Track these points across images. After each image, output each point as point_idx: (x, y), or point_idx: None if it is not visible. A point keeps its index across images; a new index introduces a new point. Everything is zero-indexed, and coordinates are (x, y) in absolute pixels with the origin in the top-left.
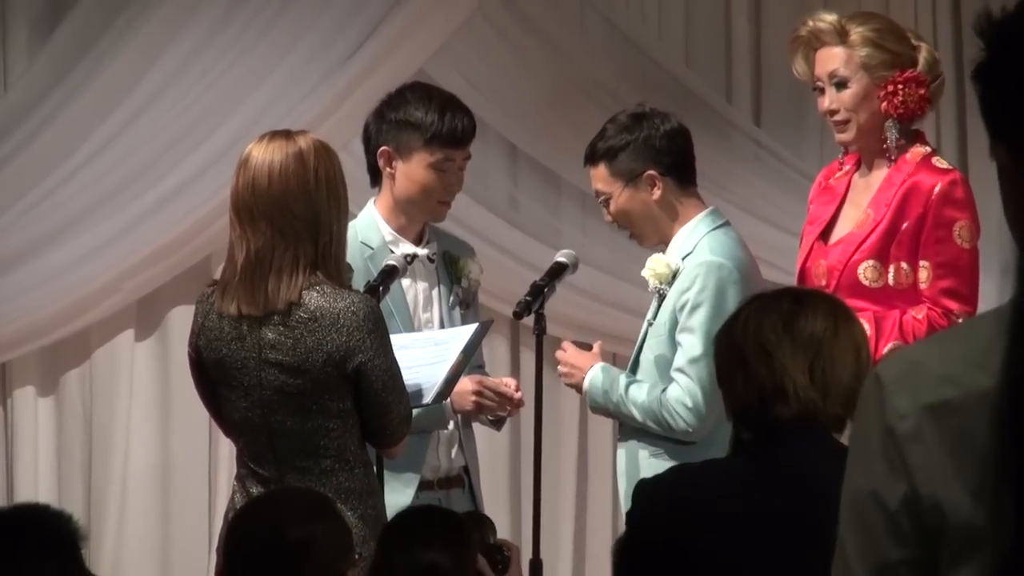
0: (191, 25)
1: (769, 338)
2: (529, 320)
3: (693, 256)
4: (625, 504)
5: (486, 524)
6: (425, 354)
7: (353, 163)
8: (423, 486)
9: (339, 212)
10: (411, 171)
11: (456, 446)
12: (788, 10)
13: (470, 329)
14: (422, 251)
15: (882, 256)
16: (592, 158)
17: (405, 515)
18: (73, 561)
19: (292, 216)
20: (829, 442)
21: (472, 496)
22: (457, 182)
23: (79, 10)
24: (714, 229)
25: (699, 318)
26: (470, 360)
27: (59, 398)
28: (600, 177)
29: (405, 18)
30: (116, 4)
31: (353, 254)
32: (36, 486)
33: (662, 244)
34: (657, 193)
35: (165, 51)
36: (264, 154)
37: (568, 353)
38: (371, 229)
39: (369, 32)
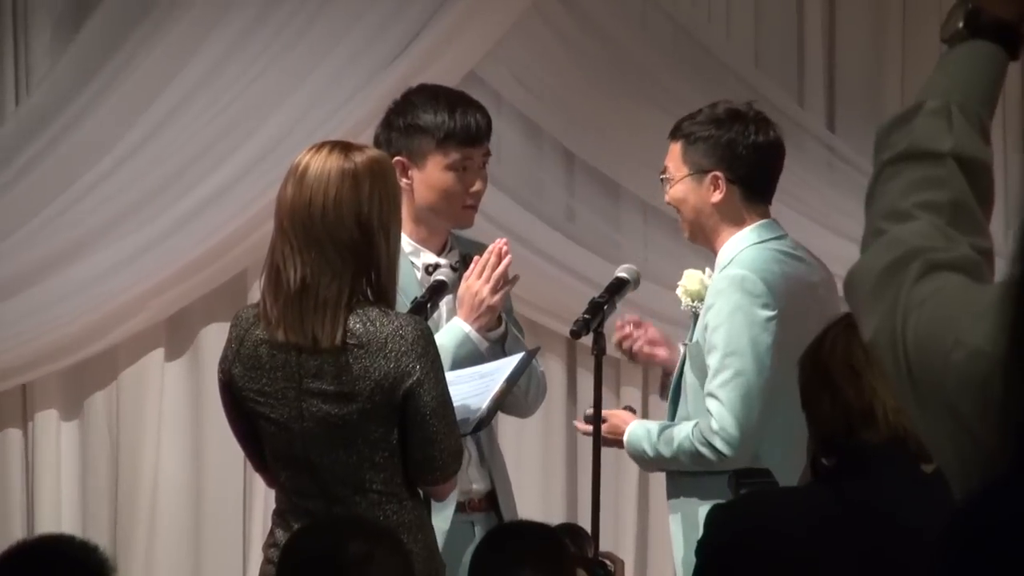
0: (224, 24)
1: (858, 358)
2: (587, 340)
3: (725, 270)
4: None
5: (583, 537)
6: (471, 387)
7: None
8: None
9: (388, 240)
10: (428, 177)
11: (479, 465)
12: (863, 8)
13: (515, 358)
14: (444, 261)
15: None
16: (675, 133)
17: (497, 532)
18: None
19: (342, 246)
20: (917, 472)
21: (499, 518)
22: (480, 181)
23: (105, 9)
24: (759, 243)
25: (721, 336)
26: (513, 387)
27: (83, 422)
28: (673, 155)
29: (455, 16)
30: (144, 2)
31: None
32: (59, 515)
33: (705, 245)
34: (718, 196)
35: (196, 52)
36: (321, 173)
37: (606, 425)
38: None
39: (416, 32)
